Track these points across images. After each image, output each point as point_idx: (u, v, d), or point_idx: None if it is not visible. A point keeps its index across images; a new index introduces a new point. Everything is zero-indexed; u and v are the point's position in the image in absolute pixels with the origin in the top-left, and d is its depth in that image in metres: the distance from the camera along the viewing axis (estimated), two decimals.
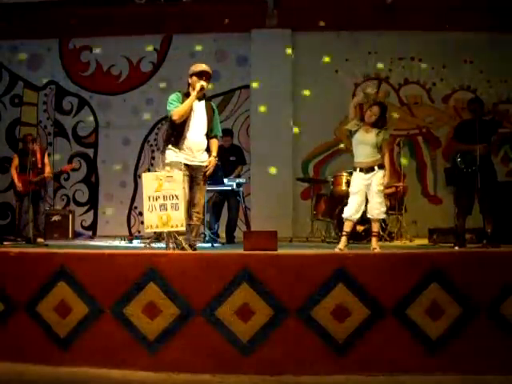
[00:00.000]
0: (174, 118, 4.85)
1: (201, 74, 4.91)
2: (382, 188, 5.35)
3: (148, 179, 5.40)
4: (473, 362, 3.16)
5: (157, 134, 9.57)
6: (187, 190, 4.78)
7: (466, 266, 3.28)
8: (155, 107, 9.53)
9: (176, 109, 4.87)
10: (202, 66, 4.96)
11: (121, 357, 3.29)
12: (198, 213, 4.94)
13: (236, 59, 9.39)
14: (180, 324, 3.27)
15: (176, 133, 4.89)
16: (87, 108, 9.65)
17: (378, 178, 5.27)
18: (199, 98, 4.94)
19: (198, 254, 4.05)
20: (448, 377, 3.12)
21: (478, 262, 3.32)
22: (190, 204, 4.93)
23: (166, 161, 4.90)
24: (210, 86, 5.36)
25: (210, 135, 5.03)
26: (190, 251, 4.86)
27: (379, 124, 5.37)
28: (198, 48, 9.37)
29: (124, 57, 9.58)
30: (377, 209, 5.29)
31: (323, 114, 9.12)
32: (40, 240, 7.24)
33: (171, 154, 4.90)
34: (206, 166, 4.95)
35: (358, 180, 5.29)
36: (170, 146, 4.92)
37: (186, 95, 4.92)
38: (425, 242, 7.24)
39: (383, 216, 5.50)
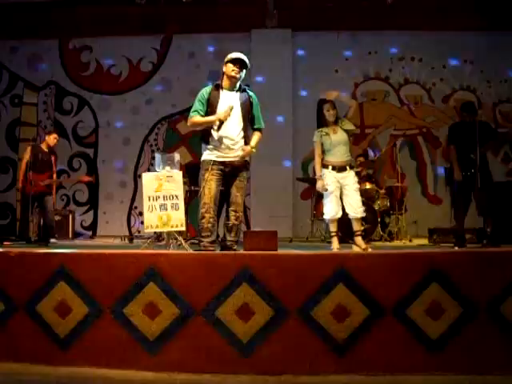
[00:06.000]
0: (188, 124, 4.74)
1: (235, 62, 4.60)
2: (358, 186, 5.38)
3: (148, 179, 5.42)
4: (473, 362, 3.15)
5: (157, 133, 9.58)
6: (215, 188, 4.56)
7: (465, 266, 3.27)
8: (155, 107, 9.56)
9: (193, 118, 4.65)
10: (236, 54, 4.65)
11: (121, 357, 3.29)
12: (235, 211, 4.63)
13: None
14: (180, 324, 3.27)
15: (208, 129, 4.64)
16: (87, 108, 9.67)
17: (353, 176, 5.30)
18: (234, 89, 4.67)
19: (198, 253, 4.04)
20: (448, 377, 3.12)
21: (478, 262, 3.32)
22: (227, 203, 4.72)
23: (201, 159, 4.72)
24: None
25: (252, 128, 4.78)
26: (190, 251, 4.85)
27: (337, 117, 5.36)
28: (198, 48, 9.39)
29: (124, 57, 9.59)
30: (359, 207, 5.26)
31: None
32: (53, 240, 7.17)
33: (204, 151, 4.68)
34: (246, 161, 4.70)
35: (332, 178, 5.26)
36: (203, 144, 4.70)
37: (216, 87, 4.66)
38: (425, 242, 7.25)
39: (364, 214, 5.46)
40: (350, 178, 5.26)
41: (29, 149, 7.28)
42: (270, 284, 3.25)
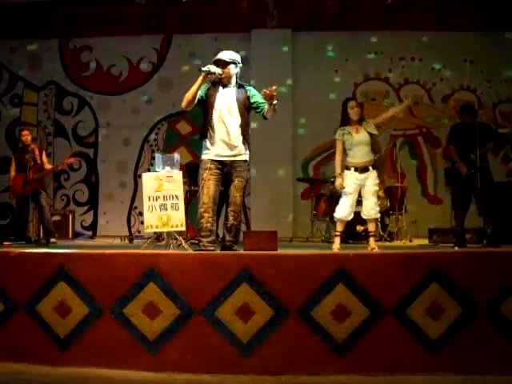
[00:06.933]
0: (182, 104, 4.67)
1: (217, 64, 4.68)
2: (378, 188, 5.38)
3: (148, 179, 5.42)
4: (473, 362, 3.16)
5: (157, 133, 9.58)
6: (213, 188, 4.55)
7: (466, 266, 3.28)
8: (155, 107, 9.55)
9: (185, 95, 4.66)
10: (217, 55, 4.73)
11: (121, 357, 3.29)
12: (234, 212, 4.61)
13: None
14: (180, 324, 3.27)
15: (204, 125, 4.65)
16: (87, 108, 9.66)
17: (373, 177, 5.29)
18: (224, 85, 4.69)
19: (198, 254, 4.05)
20: (448, 377, 3.12)
21: (478, 262, 3.32)
22: (226, 203, 4.71)
23: (200, 157, 4.72)
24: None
25: (262, 112, 4.68)
26: (190, 251, 4.86)
27: (362, 118, 5.38)
28: (198, 48, 9.38)
29: (124, 57, 9.59)
30: (373, 209, 5.30)
31: (323, 114, 9.12)
32: (53, 240, 7.12)
33: (203, 149, 4.68)
34: (244, 161, 4.65)
35: (353, 179, 5.28)
36: (203, 140, 4.69)
37: (213, 83, 4.71)
38: (425, 242, 7.25)
39: (379, 215, 5.50)
40: (370, 179, 5.27)
41: (12, 159, 7.48)
42: (269, 284, 3.25)
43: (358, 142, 5.28)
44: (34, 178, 7.11)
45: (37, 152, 7.28)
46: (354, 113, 5.33)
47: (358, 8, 8.77)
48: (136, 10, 8.91)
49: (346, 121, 5.39)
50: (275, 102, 4.45)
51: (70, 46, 9.70)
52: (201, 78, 4.59)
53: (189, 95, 4.63)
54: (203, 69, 4.58)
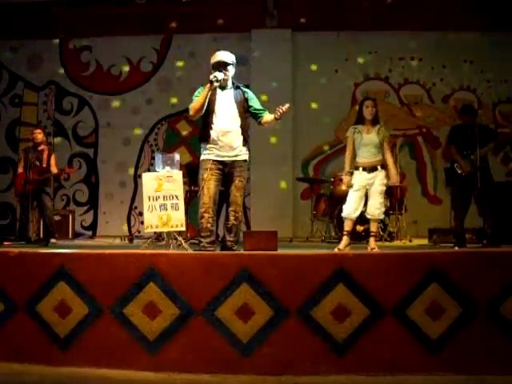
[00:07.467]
0: (190, 113, 4.68)
1: (217, 66, 4.68)
2: (384, 188, 5.37)
3: (148, 179, 5.42)
4: (473, 362, 3.16)
5: (157, 133, 9.58)
6: (214, 188, 4.56)
7: (465, 266, 3.28)
8: (155, 107, 9.55)
9: (191, 104, 4.66)
10: (217, 57, 4.72)
11: (121, 357, 3.29)
12: (235, 211, 4.63)
13: (236, 59, 9.38)
14: (180, 324, 3.27)
15: (204, 128, 4.67)
16: (87, 108, 9.66)
17: (381, 177, 5.29)
18: (222, 88, 4.70)
19: (198, 254, 4.05)
20: (448, 377, 3.12)
21: (478, 262, 3.32)
22: (226, 203, 4.72)
23: (200, 158, 4.72)
24: None
25: (259, 119, 4.79)
26: (190, 251, 4.86)
27: (376, 119, 5.39)
28: (198, 48, 9.38)
29: (124, 57, 9.59)
30: (378, 209, 5.30)
31: (323, 114, 9.13)
32: (53, 240, 7.11)
33: (203, 151, 4.68)
34: (244, 161, 4.69)
35: (360, 178, 5.29)
36: (202, 143, 4.70)
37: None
38: (425, 242, 7.25)
39: (383, 216, 5.52)
40: (378, 178, 5.27)
41: (21, 155, 7.44)
42: (269, 284, 3.25)
43: (366, 143, 5.28)
44: (36, 180, 7.09)
45: (45, 154, 7.25)
46: (367, 112, 5.34)
47: (357, 8, 8.77)
48: (136, 10, 8.91)
49: (360, 119, 5.41)
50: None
51: (69, 45, 9.71)
52: (208, 87, 4.57)
53: (197, 104, 4.62)
54: (212, 79, 4.55)
